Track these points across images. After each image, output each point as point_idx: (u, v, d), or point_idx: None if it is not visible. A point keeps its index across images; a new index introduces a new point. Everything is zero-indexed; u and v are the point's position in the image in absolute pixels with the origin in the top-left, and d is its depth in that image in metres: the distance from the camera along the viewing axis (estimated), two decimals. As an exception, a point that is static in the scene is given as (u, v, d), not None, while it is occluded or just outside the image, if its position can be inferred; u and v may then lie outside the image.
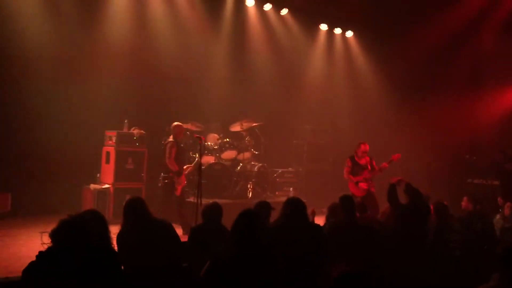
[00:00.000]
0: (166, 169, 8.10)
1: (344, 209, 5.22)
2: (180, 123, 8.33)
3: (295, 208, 4.46)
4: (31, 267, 3.14)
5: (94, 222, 3.53)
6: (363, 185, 8.12)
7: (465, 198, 7.46)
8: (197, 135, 7.84)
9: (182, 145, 8.57)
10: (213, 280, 3.43)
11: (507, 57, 11.32)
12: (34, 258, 3.25)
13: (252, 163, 10.04)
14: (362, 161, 8.25)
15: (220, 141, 9.79)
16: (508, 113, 11.50)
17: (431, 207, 6.04)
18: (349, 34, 12.67)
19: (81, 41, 9.29)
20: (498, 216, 7.54)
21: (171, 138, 8.15)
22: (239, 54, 11.35)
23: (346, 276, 2.76)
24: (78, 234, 3.17)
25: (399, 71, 12.02)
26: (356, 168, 8.20)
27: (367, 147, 8.24)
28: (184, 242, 4.89)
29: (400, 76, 12.02)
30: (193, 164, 8.65)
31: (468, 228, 6.23)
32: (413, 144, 11.29)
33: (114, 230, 4.47)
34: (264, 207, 5.12)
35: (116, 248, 3.96)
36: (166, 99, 10.21)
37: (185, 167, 8.30)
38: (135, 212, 4.45)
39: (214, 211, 4.96)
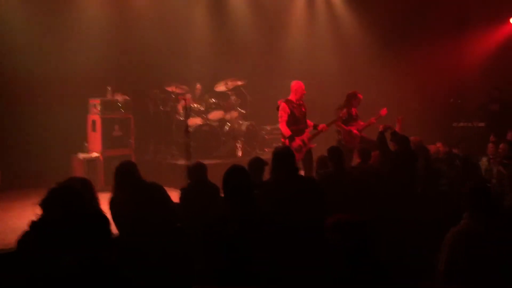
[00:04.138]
0: (282, 134, 7.28)
1: (332, 160, 5.27)
2: (297, 81, 7.42)
3: (281, 161, 4.36)
4: (25, 237, 3.18)
5: (81, 188, 3.55)
6: (356, 132, 7.96)
7: (439, 144, 7.59)
8: (182, 97, 7.77)
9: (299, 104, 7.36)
10: (211, 241, 3.44)
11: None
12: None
13: (240, 122, 10.04)
14: (353, 112, 8.17)
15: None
16: (492, 55, 11.52)
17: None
18: (329, -16, 12.45)
19: (61, 8, 9.12)
20: (484, 159, 7.68)
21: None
22: (219, 12, 11.16)
23: (340, 223, 2.80)
24: (67, 201, 3.20)
25: (381, 19, 11.90)
26: (348, 118, 7.96)
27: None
28: (176, 203, 4.94)
29: (383, 24, 11.89)
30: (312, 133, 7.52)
31: (450, 166, 6.40)
32: (399, 92, 11.31)
33: (107, 197, 4.50)
34: (257, 163, 5.12)
35: (107, 213, 3.97)
36: (147, 63, 10.03)
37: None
38: (126, 176, 4.45)
39: (198, 170, 5.00)
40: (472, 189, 3.55)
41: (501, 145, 7.50)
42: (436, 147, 7.30)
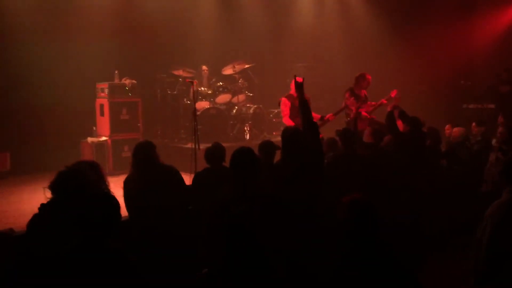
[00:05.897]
0: None
1: (343, 141, 5.23)
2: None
3: (289, 141, 4.30)
4: (35, 219, 3.19)
5: (90, 171, 3.55)
6: (365, 114, 7.88)
7: (448, 126, 7.49)
8: (189, 80, 7.74)
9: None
10: (216, 221, 3.44)
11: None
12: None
13: (248, 105, 10.00)
14: (362, 93, 8.09)
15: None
16: (502, 36, 11.38)
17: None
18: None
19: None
20: (494, 140, 7.56)
21: None
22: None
23: (347, 203, 2.79)
24: (76, 183, 3.20)
25: (390, 1, 11.75)
26: (357, 101, 7.93)
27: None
28: (189, 186, 4.93)
29: (391, 6, 11.75)
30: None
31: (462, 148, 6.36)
32: (408, 73, 11.20)
33: (116, 181, 4.51)
34: (268, 147, 5.06)
35: (119, 193, 3.97)
36: (154, 46, 9.99)
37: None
38: (142, 156, 4.47)
39: (215, 153, 4.96)
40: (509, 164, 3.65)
41: (499, 129, 7.33)
42: (459, 130, 7.09)
